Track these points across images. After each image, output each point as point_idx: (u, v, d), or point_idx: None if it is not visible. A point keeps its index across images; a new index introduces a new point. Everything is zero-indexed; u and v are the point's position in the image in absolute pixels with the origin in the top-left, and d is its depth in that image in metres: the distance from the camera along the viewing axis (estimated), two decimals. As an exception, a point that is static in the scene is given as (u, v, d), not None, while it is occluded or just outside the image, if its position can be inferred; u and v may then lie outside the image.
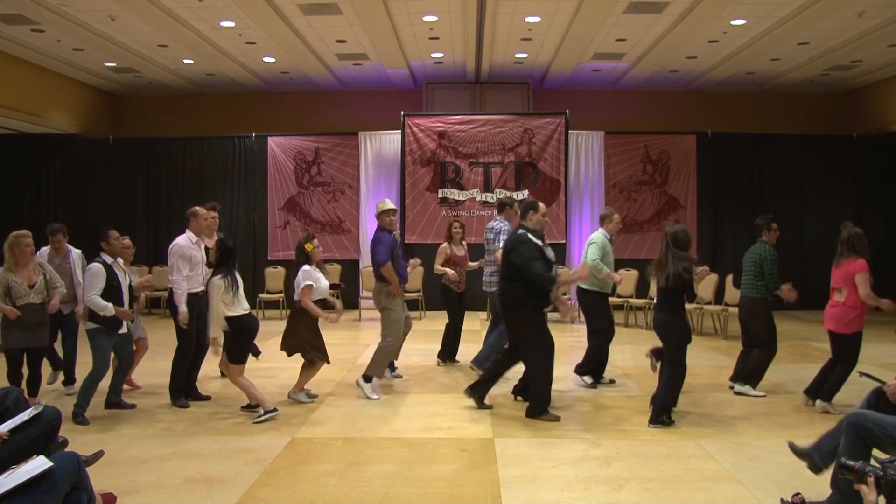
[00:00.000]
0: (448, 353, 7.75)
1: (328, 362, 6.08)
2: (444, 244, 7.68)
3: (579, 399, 6.16)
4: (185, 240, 5.96)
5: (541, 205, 5.73)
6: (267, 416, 5.44)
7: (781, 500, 3.55)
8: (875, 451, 3.41)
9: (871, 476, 2.60)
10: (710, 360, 8.06)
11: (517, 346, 5.64)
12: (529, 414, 5.48)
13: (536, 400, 5.51)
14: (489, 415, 5.63)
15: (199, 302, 5.92)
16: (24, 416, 3.56)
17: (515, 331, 5.62)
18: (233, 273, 5.50)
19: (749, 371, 6.32)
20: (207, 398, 6.19)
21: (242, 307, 5.53)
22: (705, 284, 10.32)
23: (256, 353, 7.20)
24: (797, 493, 3.47)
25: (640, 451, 4.70)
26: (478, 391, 5.78)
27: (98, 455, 3.94)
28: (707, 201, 12.79)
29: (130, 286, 5.75)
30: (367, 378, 6.24)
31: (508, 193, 12.24)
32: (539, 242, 5.48)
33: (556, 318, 8.02)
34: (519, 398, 6.01)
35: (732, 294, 10.06)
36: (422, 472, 4.36)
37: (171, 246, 5.95)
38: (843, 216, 12.38)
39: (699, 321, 10.20)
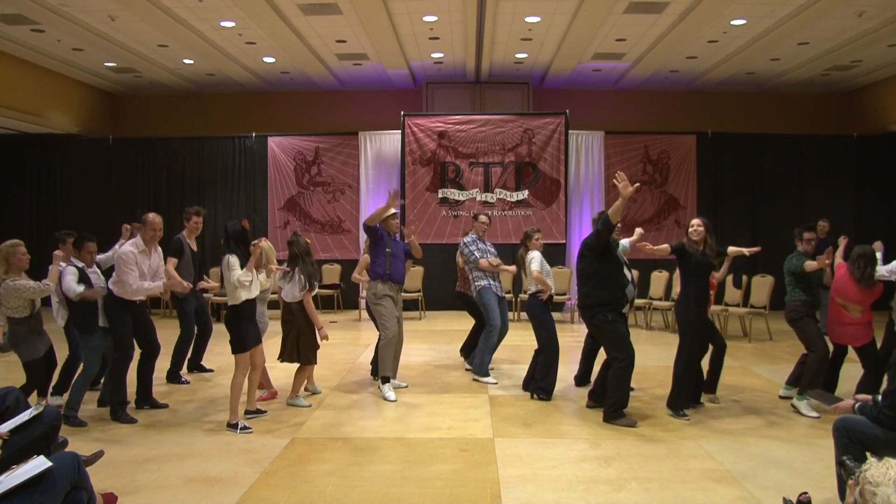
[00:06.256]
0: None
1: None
2: None
3: (579, 398, 6.15)
4: (131, 245, 5.71)
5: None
6: (241, 430, 5.20)
7: (784, 499, 3.55)
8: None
9: (851, 478, 2.59)
10: (710, 360, 8.04)
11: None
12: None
13: (617, 403, 5.41)
14: (489, 415, 5.64)
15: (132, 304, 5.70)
16: (24, 416, 3.57)
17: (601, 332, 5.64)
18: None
19: (800, 377, 5.93)
20: (164, 405, 5.96)
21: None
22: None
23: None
24: (804, 493, 3.45)
25: (640, 451, 4.70)
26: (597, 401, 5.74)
27: (98, 455, 3.94)
28: (707, 201, 12.78)
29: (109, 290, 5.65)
30: (385, 379, 6.27)
31: (505, 196, 12.31)
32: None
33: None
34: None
35: (732, 294, 10.08)
36: (422, 472, 4.35)
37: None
38: (843, 216, 12.48)
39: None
